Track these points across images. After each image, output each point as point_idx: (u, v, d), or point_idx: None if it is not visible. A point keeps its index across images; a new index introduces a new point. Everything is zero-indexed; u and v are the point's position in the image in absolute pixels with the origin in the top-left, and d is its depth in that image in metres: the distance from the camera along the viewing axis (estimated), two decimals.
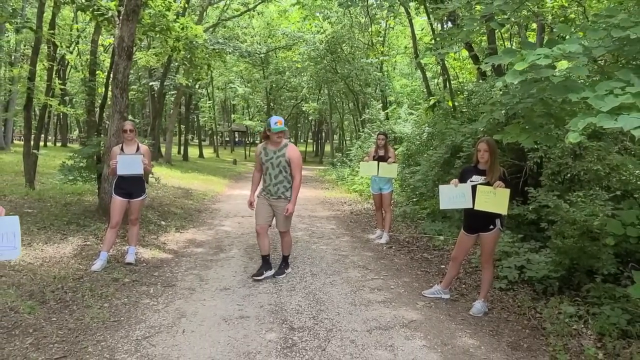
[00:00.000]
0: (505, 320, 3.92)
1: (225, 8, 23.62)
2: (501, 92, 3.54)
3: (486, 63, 2.62)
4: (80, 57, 22.22)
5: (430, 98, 10.92)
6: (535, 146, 5.36)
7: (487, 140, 4.01)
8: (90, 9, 7.09)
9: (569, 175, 5.04)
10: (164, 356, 3.07)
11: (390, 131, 13.35)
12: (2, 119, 20.57)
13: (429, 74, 16.22)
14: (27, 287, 4.11)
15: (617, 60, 2.48)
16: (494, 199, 3.74)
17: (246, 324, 3.64)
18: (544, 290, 4.37)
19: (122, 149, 5.09)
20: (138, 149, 5.12)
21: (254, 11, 21.89)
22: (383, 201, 6.80)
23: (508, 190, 3.73)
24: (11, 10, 10.84)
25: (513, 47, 10.82)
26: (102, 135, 8.29)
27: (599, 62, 2.53)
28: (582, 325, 3.64)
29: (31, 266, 4.66)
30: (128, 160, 4.93)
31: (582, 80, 2.46)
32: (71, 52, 18.42)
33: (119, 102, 6.49)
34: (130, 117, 14.49)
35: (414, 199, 9.06)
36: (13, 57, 22.10)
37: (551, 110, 2.55)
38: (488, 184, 3.90)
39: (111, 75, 7.66)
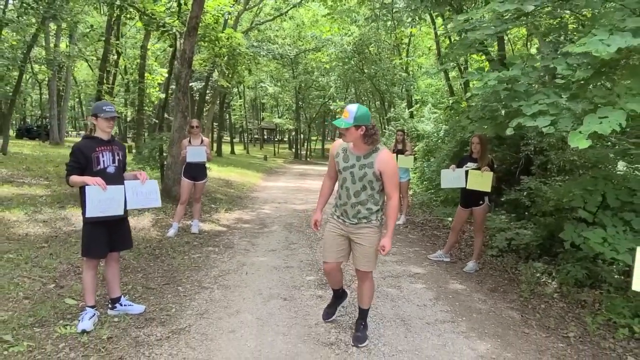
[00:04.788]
0: (491, 275, 5.03)
1: (258, 12, 25.04)
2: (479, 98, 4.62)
3: (463, 77, 3.73)
4: (125, 61, 24.04)
5: (449, 99, 11.92)
6: (528, 141, 6.40)
7: (479, 135, 5.12)
8: (156, 25, 8.46)
9: (554, 165, 6.06)
10: (236, 286, 4.35)
11: (413, 129, 14.38)
12: (56, 116, 22.55)
13: (452, 74, 17.07)
14: None
15: (553, 78, 3.51)
16: (481, 180, 4.86)
17: (291, 270, 4.88)
18: (526, 256, 5.44)
19: (189, 142, 6.40)
20: (202, 141, 6.43)
21: (285, 15, 23.18)
22: (401, 188, 7.92)
23: (491, 174, 4.84)
24: (73, 23, 12.46)
25: (528, 50, 11.70)
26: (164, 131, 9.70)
27: (540, 80, 3.57)
28: (549, 278, 4.73)
29: None
30: (195, 151, 6.22)
31: (536, 91, 3.53)
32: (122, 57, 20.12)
33: (181, 103, 7.85)
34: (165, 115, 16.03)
35: (431, 190, 10.13)
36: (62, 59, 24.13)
37: (510, 110, 3.63)
38: (479, 169, 5.01)
39: (170, 80, 9.01)
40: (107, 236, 3.38)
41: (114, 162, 3.42)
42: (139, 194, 3.41)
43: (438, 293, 4.39)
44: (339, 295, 3.63)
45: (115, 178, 3.39)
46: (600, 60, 2.87)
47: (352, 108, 2.96)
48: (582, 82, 3.03)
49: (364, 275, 3.28)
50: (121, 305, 3.61)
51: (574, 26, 5.01)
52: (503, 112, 3.69)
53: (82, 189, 3.30)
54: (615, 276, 4.44)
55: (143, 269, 4.74)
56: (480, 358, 3.15)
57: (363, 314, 3.39)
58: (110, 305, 3.61)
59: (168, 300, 3.92)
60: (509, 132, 3.08)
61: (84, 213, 3.33)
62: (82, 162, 3.29)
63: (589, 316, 3.81)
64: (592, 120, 2.61)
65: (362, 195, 3.12)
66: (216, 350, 3.09)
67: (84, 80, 36.11)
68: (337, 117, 2.97)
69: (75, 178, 3.25)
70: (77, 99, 40.89)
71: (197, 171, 6.36)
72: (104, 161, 3.36)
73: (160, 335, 3.25)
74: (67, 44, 22.12)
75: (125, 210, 3.46)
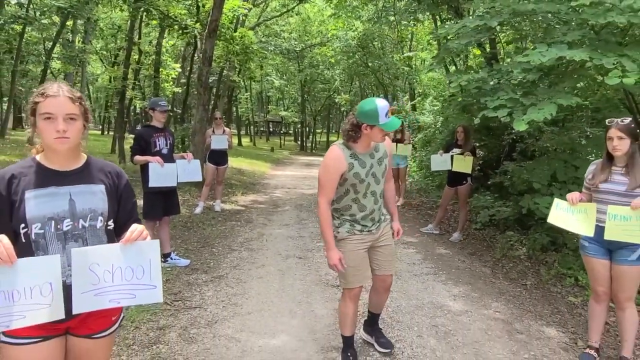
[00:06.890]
0: (472, 243, 5.95)
1: (265, 7, 25.85)
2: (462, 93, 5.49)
3: (450, 80, 4.63)
4: (140, 56, 24.94)
5: (445, 92, 12.76)
6: (510, 130, 7.26)
7: (463, 124, 6.02)
8: (177, 26, 9.35)
9: (530, 151, 6.93)
10: (259, 249, 5.29)
11: (415, 121, 15.24)
12: None
13: (453, 68, 17.77)
14: None
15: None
16: (464, 163, 5.76)
17: (303, 239, 5.83)
18: (504, 229, 6.35)
19: (213, 131, 7.32)
20: (224, 131, 7.35)
21: (292, 12, 23.98)
22: (399, 174, 8.82)
23: (472, 158, 5.76)
24: (93, 22, 13.37)
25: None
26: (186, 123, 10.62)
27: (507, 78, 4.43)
28: (520, 245, 5.63)
29: None
30: (219, 139, 7.14)
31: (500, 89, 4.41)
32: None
33: (202, 97, 8.76)
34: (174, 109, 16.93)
35: (429, 178, 11.04)
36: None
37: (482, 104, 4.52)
38: (462, 154, 5.91)
39: (190, 76, 9.90)
40: (162, 203, 4.32)
41: (166, 145, 4.35)
42: (186, 170, 4.36)
43: (425, 255, 5.31)
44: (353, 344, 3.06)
45: (168, 158, 4.32)
46: (545, 66, 3.76)
47: (388, 104, 2.56)
48: (531, 82, 3.92)
49: (390, 280, 2.97)
50: (171, 259, 4.55)
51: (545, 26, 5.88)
52: (476, 106, 4.58)
53: (143, 166, 4.23)
54: (574, 241, 5.33)
55: (180, 236, 5.69)
56: (453, 296, 4.07)
57: (377, 318, 3.18)
58: (162, 259, 4.56)
59: (206, 258, 4.87)
60: (476, 121, 3.97)
61: (144, 184, 4.26)
62: (142, 145, 4.22)
63: (545, 270, 4.72)
64: (533, 110, 3.50)
65: (381, 192, 2.78)
66: (249, 289, 4.03)
67: (92, 74, 37.10)
68: (388, 116, 2.50)
69: (139, 157, 4.19)
70: (86, 92, 41.87)
71: (219, 157, 7.29)
72: (159, 144, 4.29)
73: (206, 279, 4.20)
74: (80, 39, 23.04)
75: (177, 183, 4.39)
